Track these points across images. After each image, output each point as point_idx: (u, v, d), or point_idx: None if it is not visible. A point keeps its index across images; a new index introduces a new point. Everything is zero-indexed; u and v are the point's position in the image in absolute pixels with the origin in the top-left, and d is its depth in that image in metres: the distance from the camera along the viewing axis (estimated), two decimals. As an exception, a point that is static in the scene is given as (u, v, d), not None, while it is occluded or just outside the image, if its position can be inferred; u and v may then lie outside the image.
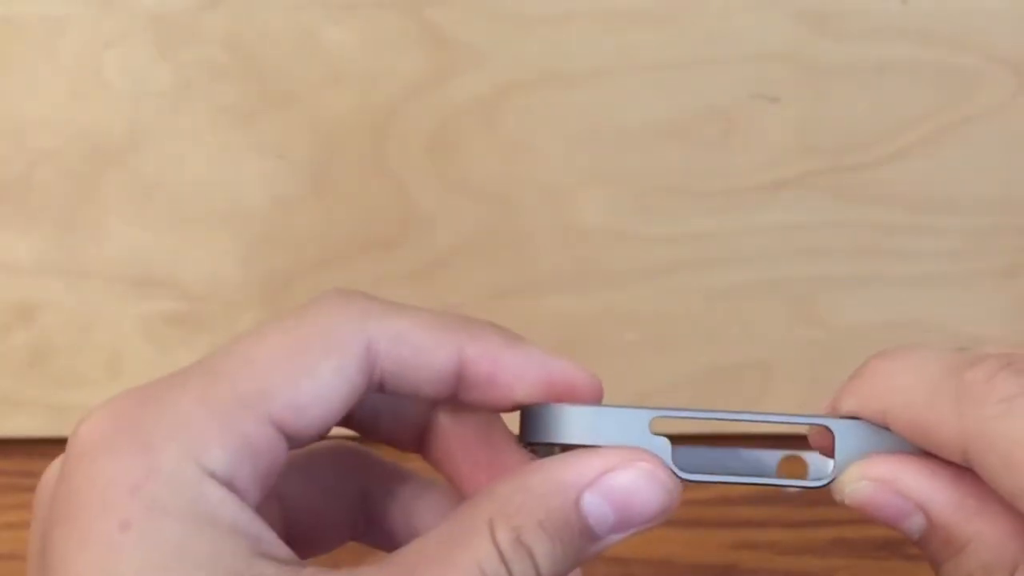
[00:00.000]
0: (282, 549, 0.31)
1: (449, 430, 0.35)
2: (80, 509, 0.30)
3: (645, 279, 0.54)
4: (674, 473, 0.32)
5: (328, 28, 0.51)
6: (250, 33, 0.51)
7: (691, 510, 0.51)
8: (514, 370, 0.33)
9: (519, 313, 0.53)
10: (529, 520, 0.30)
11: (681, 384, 0.55)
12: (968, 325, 0.54)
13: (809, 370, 0.54)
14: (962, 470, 0.31)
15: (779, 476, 0.34)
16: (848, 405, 0.33)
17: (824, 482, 0.33)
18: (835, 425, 0.33)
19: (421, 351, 0.32)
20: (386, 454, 0.36)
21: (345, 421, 0.34)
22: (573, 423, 0.32)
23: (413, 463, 0.37)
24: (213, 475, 0.30)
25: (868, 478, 0.32)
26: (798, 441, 0.34)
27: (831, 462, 0.33)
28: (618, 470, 0.31)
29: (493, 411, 0.34)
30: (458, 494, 0.35)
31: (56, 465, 0.32)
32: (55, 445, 0.32)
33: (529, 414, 0.33)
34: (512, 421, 0.35)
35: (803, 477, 0.34)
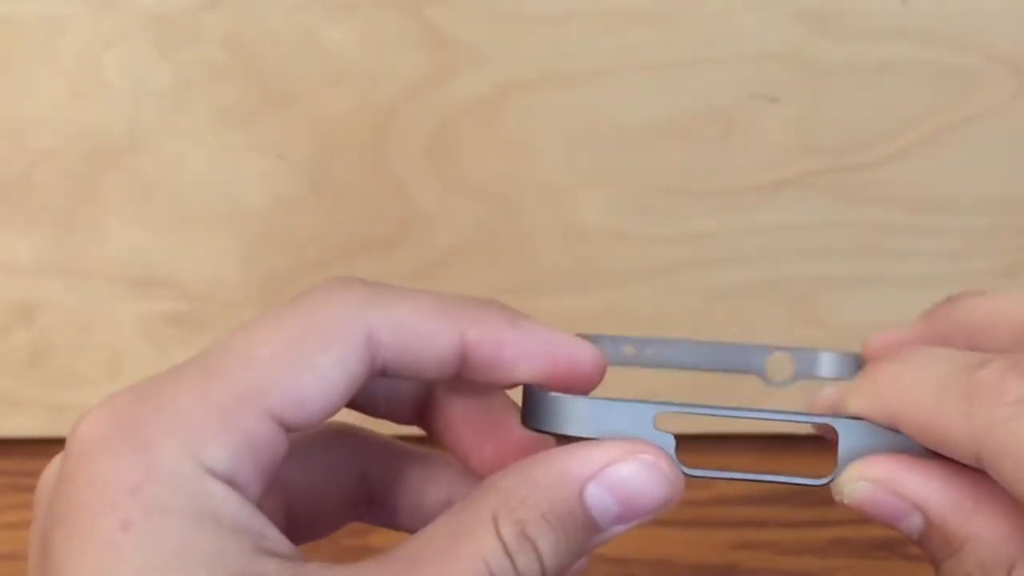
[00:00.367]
0: (284, 545, 0.30)
1: (450, 403, 0.35)
2: (80, 509, 0.30)
3: (645, 279, 0.54)
4: (677, 466, 0.32)
5: (328, 28, 0.51)
6: (250, 33, 0.51)
7: (691, 510, 0.52)
8: (517, 350, 0.33)
9: (519, 313, 0.53)
10: (533, 513, 0.30)
11: (681, 384, 0.54)
12: (968, 325, 0.54)
13: (809, 370, 0.54)
14: (959, 470, 0.31)
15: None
16: (856, 405, 0.33)
17: (824, 481, 0.33)
18: (839, 424, 0.33)
19: (423, 337, 0.32)
20: (384, 429, 0.36)
21: None
22: (578, 415, 0.32)
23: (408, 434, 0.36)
24: (213, 472, 0.30)
25: (866, 478, 0.32)
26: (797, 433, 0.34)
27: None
28: (621, 462, 0.31)
29: (496, 388, 0.34)
30: (460, 464, 0.35)
31: (55, 464, 0.31)
32: (55, 445, 0.32)
33: (533, 401, 0.33)
34: (515, 394, 0.34)
35: (788, 374, 0.33)
